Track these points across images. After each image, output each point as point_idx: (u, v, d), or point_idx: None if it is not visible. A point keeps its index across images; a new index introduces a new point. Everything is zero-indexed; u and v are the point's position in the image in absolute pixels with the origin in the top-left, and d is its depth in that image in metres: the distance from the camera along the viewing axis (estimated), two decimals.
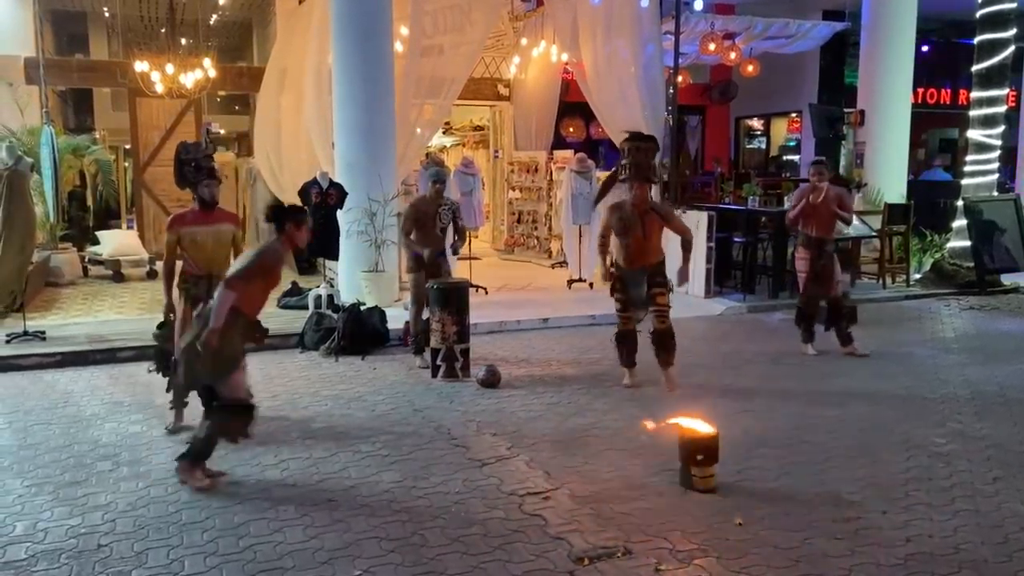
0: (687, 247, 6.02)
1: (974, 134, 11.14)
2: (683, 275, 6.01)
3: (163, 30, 16.24)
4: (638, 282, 6.04)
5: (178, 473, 4.45)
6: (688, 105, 16.22)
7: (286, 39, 12.06)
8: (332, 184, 8.44)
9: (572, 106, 14.28)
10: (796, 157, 17.36)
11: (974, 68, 11.09)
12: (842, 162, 13.91)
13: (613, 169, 6.02)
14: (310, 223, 4.70)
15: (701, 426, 4.38)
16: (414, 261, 6.84)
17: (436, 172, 7.09)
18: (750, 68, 13.77)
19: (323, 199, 8.37)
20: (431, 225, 6.75)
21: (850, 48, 14.99)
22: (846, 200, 7.34)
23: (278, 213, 4.55)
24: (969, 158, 11.30)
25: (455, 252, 7.16)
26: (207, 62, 12.33)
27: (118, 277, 11.13)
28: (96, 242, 11.69)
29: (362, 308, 7.64)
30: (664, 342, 6.07)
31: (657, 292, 6.03)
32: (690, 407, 5.12)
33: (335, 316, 7.62)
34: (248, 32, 19.48)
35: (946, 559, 3.58)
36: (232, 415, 4.42)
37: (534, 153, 13.26)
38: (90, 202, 13.03)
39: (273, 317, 8.60)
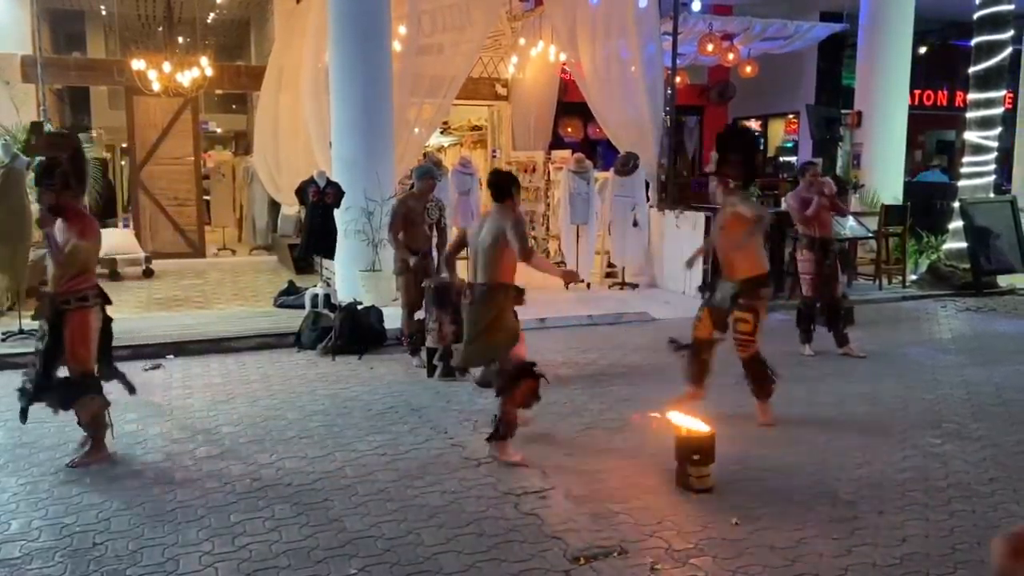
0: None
1: (971, 136, 11.15)
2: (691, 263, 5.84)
3: (160, 28, 16.22)
4: (724, 292, 5.35)
5: (492, 452, 4.73)
6: (686, 105, 16.22)
7: (285, 38, 12.05)
8: (329, 183, 8.43)
9: (570, 106, 14.28)
10: (793, 158, 17.38)
11: (971, 70, 11.10)
12: (839, 163, 13.93)
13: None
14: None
15: (698, 426, 4.37)
16: (402, 262, 6.83)
17: (426, 169, 7.07)
18: (748, 69, 13.78)
19: (320, 198, 8.37)
20: (420, 222, 6.74)
21: (848, 49, 15.01)
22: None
23: (503, 182, 4.81)
24: (966, 160, 11.31)
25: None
26: (204, 60, 12.31)
27: (114, 276, 11.10)
28: None
29: (359, 307, 7.63)
30: (747, 371, 5.42)
31: (737, 316, 5.30)
32: (687, 407, 5.12)
33: (332, 315, 7.61)
34: (246, 31, 19.47)
35: (942, 559, 3.58)
36: (518, 383, 4.69)
37: (532, 153, 13.26)
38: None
39: (270, 316, 8.61)
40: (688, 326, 5.75)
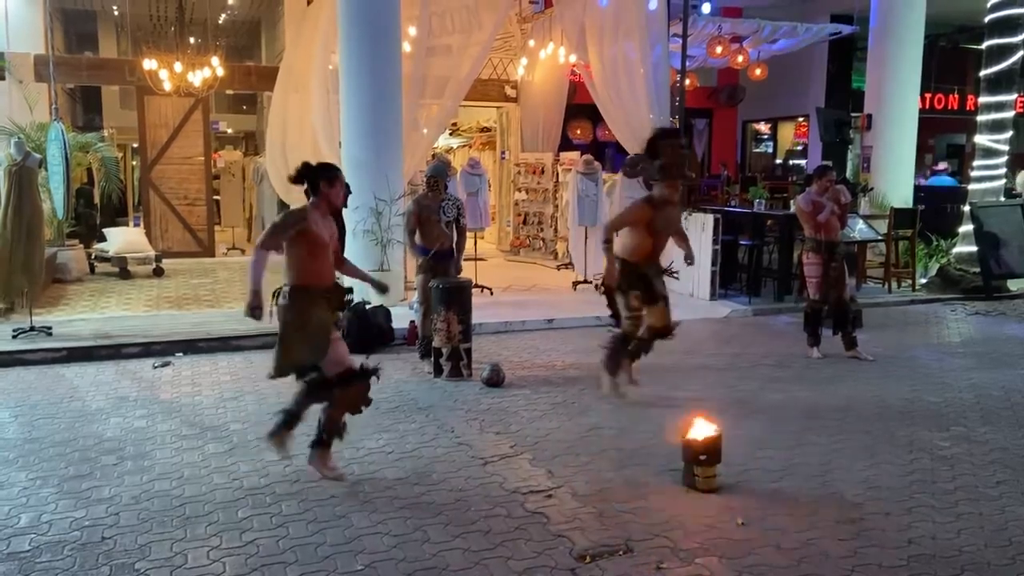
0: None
1: (982, 139, 11.12)
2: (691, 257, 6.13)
3: (172, 28, 16.31)
4: (658, 274, 5.88)
5: (311, 461, 4.46)
6: (695, 108, 16.22)
7: (295, 39, 12.10)
8: None
9: (579, 108, 14.30)
10: (803, 161, 17.36)
11: (982, 73, 11.07)
12: (849, 166, 13.90)
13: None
14: (344, 180, 4.60)
15: (705, 426, 4.37)
16: (423, 262, 6.84)
17: (433, 168, 7.09)
18: (757, 72, 13.76)
19: None
20: (435, 219, 6.75)
21: (858, 52, 14.99)
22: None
23: (307, 173, 4.48)
24: (976, 163, 11.28)
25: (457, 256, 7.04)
26: (215, 61, 12.38)
27: (124, 274, 11.17)
28: (103, 239, 11.74)
29: (367, 307, 7.65)
30: (664, 336, 5.95)
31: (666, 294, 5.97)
32: (694, 408, 5.12)
33: (340, 315, 7.62)
34: (257, 31, 19.58)
35: (949, 561, 3.57)
36: (346, 387, 4.38)
37: (541, 155, 13.27)
38: (97, 199, 13.10)
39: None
40: (695, 328, 5.73)
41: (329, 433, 4.46)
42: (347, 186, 8.61)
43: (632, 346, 6.00)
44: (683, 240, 6.14)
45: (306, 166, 4.55)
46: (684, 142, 6.03)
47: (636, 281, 5.81)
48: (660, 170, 5.76)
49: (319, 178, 4.46)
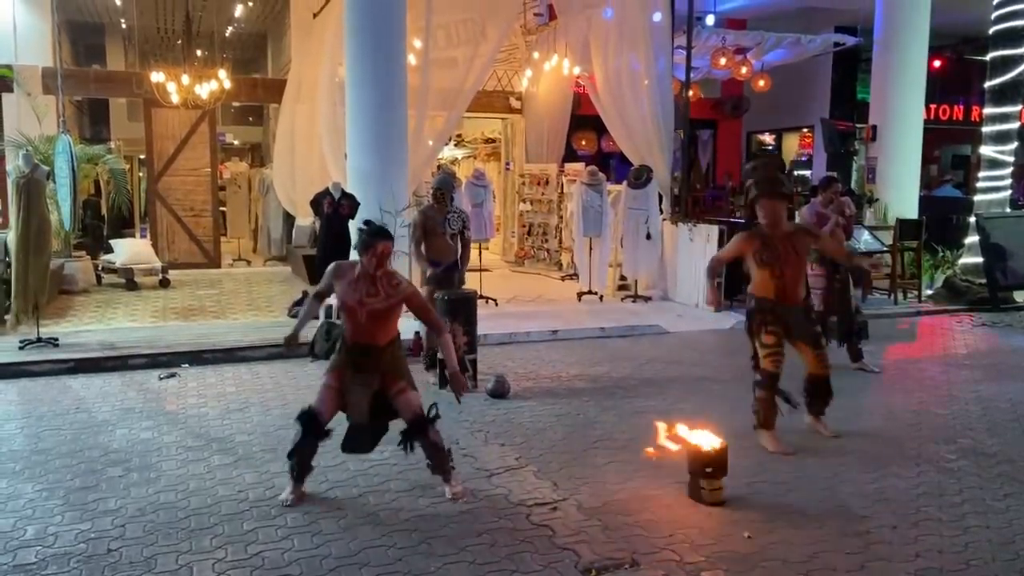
0: (856, 275, 5.77)
1: (987, 150, 11.12)
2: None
3: (179, 41, 16.42)
4: (799, 320, 5.28)
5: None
6: (700, 119, 16.24)
7: (301, 52, 12.18)
8: (344, 195, 8.48)
9: (584, 119, 14.33)
10: (808, 172, 17.36)
11: (987, 84, 11.08)
12: (854, 177, 13.90)
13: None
14: (381, 249, 4.34)
15: (710, 439, 4.37)
16: (429, 274, 6.86)
17: (439, 180, 7.13)
18: (761, 83, 13.79)
19: (335, 210, 8.42)
20: (440, 231, 6.77)
21: (862, 64, 15.01)
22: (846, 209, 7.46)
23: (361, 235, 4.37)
24: (982, 174, 11.27)
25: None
26: (222, 73, 12.45)
27: (131, 285, 11.20)
28: (110, 250, 11.79)
29: None
30: (821, 388, 5.46)
31: (818, 335, 5.51)
32: (700, 420, 5.11)
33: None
34: (263, 44, 19.68)
35: (956, 575, 3.55)
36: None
37: (545, 165, 13.30)
38: (104, 211, 13.16)
39: (283, 326, 8.65)
40: (700, 339, 5.71)
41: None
42: (352, 197, 8.69)
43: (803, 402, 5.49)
44: (843, 256, 6.07)
45: (368, 224, 4.57)
46: (780, 162, 5.48)
47: (769, 319, 5.24)
48: (753, 188, 5.26)
49: (358, 241, 4.35)
